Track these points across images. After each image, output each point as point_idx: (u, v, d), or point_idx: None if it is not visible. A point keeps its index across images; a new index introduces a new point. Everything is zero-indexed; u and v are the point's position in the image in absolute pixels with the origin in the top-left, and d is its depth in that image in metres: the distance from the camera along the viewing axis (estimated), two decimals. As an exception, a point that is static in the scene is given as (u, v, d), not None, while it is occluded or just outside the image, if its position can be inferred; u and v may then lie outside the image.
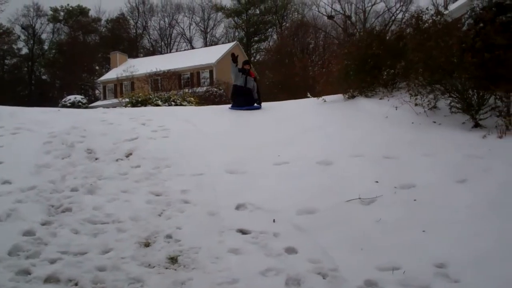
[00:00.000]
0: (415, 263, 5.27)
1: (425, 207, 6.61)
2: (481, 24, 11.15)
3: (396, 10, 64.29)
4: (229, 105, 15.09)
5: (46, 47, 76.10)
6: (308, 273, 5.21)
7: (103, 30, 77.74)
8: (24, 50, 74.02)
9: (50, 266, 5.35)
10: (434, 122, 10.39)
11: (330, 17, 56.56)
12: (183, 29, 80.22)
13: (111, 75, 54.47)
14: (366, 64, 13.51)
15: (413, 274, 5.07)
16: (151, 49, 77.40)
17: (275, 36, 70.71)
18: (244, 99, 14.52)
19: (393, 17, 60.11)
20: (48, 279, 5.12)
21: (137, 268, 5.37)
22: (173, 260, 5.58)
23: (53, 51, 73.78)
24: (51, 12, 74.00)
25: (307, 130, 10.66)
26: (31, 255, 5.59)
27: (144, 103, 21.26)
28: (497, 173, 7.42)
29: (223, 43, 68.41)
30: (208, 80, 50.98)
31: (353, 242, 5.86)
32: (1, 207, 6.70)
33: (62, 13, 74.69)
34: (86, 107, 34.27)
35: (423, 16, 13.43)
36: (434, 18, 12.79)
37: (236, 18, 74.85)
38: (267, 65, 53.75)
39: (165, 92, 26.77)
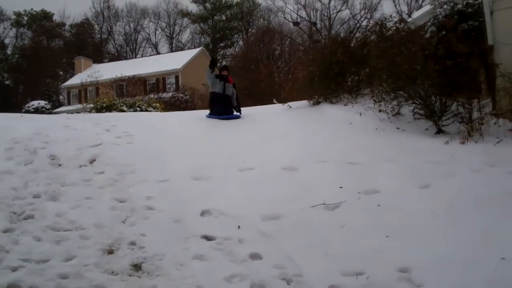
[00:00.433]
0: (379, 268, 5.31)
1: (389, 212, 6.67)
2: (444, 32, 11.35)
3: (361, 17, 64.80)
4: (207, 113, 14.03)
5: (9, 52, 75.02)
6: (273, 279, 5.22)
7: (68, 35, 76.78)
8: (-14, 55, 73.03)
9: (11, 274, 5.24)
10: (398, 128, 10.51)
11: (296, 23, 56.74)
12: (149, 35, 79.57)
13: (76, 80, 53.76)
14: (331, 71, 13.60)
15: (376, 279, 5.12)
16: (116, 54, 76.76)
17: (241, 42, 70.76)
18: (223, 107, 13.54)
19: (358, 24, 60.49)
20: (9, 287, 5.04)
21: (100, 276, 5.31)
22: (137, 267, 5.53)
23: (17, 56, 72.61)
24: (14, 17, 72.88)
25: (272, 136, 10.68)
26: (-8, 263, 5.50)
27: (109, 108, 21.08)
28: (459, 178, 7.54)
29: (189, 48, 68.17)
30: (174, 85, 50.69)
31: (317, 248, 5.88)
32: (-39, 214, 6.59)
33: (25, 18, 73.64)
34: (50, 113, 33.90)
35: (387, 24, 13.59)
36: (397, 25, 12.96)
37: (202, 24, 74.64)
38: (233, 71, 53.77)
39: (131, 98, 26.55)
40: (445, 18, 11.93)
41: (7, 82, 71.96)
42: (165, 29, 78.99)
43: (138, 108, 21.59)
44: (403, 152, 8.93)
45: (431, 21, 12.59)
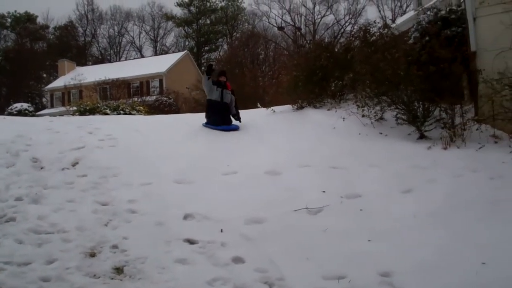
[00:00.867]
0: (361, 272, 5.32)
1: (371, 217, 6.71)
2: (427, 38, 11.44)
3: (345, 22, 64.98)
4: (204, 122, 12.62)
5: (-8, 54, 74.54)
6: (255, 283, 5.22)
7: (51, 37, 76.21)
8: (-31, 57, 72.42)
9: (-8, 277, 5.22)
10: (381, 133, 10.56)
11: (280, 28, 56.68)
12: (133, 38, 79.19)
13: (59, 83, 53.43)
14: (315, 76, 13.64)
15: (358, 282, 5.13)
16: (100, 57, 76.33)
17: (225, 46, 70.60)
18: (221, 116, 12.33)
19: (342, 30, 60.75)
20: (-10, 290, 5.00)
21: (82, 279, 5.28)
22: (119, 270, 5.50)
23: (0, 58, 72.27)
24: (-3, 19, 72.55)
25: (256, 140, 10.70)
26: (-27, 266, 5.46)
27: (92, 111, 20.98)
28: (441, 183, 7.60)
29: (173, 52, 68.02)
30: (158, 89, 50.55)
31: (300, 251, 5.89)
32: None
33: (9, 20, 73.14)
34: (33, 115, 33.64)
35: (371, 29, 13.66)
36: (381, 31, 13.03)
37: (186, 27, 74.41)
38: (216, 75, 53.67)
39: (114, 101, 26.50)
40: (428, 24, 12.02)
41: (-11, 85, 71.43)
42: (150, 33, 78.75)
43: (121, 111, 21.52)
44: (385, 157, 8.97)
45: (414, 27, 12.68)
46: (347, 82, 13.32)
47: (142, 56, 73.19)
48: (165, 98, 39.82)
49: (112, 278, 5.34)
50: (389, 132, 10.57)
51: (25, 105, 37.47)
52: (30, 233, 6.31)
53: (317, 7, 65.84)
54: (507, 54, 9.78)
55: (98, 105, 22.43)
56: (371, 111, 11.21)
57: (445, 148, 9.21)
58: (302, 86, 13.68)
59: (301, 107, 13.75)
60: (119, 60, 72.22)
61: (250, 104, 20.12)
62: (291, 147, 9.97)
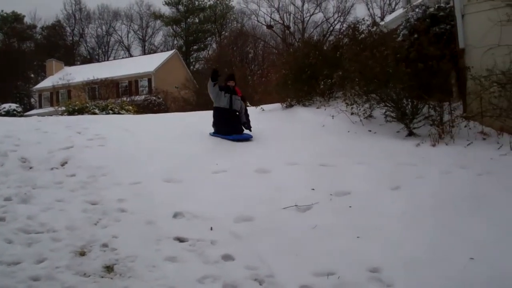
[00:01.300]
0: (350, 268, 5.34)
1: (360, 214, 6.73)
2: (416, 35, 11.51)
3: (334, 20, 64.92)
4: (211, 132, 11.50)
5: (-21, 54, 74.07)
6: (245, 280, 5.22)
7: (39, 37, 75.91)
8: (-44, 57, 71.91)
9: (-18, 277, 5.20)
10: (370, 130, 10.60)
11: (269, 26, 56.75)
12: (121, 37, 78.97)
13: (47, 83, 53.27)
14: (304, 74, 13.68)
15: (347, 279, 5.14)
16: (88, 57, 76.04)
17: (214, 45, 70.58)
18: (231, 125, 11.13)
19: (331, 28, 60.73)
20: (-21, 290, 4.98)
21: (72, 277, 5.26)
22: (109, 269, 5.49)
23: (-13, 58, 71.90)
24: (-16, 19, 72.15)
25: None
26: (-38, 266, 5.43)
27: (81, 111, 20.96)
28: (429, 180, 7.65)
29: (162, 51, 67.88)
30: (147, 88, 50.47)
31: (289, 249, 5.89)
32: None
33: (-4, 20, 72.91)
34: (21, 116, 33.50)
35: (360, 27, 13.71)
36: (370, 28, 13.07)
37: (175, 26, 74.19)
38: (207, 74, 53.66)
39: (103, 101, 26.48)
40: (417, 22, 12.08)
41: (-23, 85, 71.01)
42: (138, 32, 78.58)
43: (110, 111, 21.51)
44: (374, 154, 9.01)
45: (403, 24, 12.74)
46: (336, 80, 13.34)
47: (131, 56, 73.01)
48: (154, 98, 39.76)
49: (102, 277, 5.32)
50: (378, 130, 10.61)
51: (13, 106, 37.22)
52: (19, 232, 6.28)
53: (306, 5, 65.71)
54: (496, 51, 9.82)
55: (87, 105, 22.42)
56: (360, 109, 11.26)
57: (434, 145, 9.27)
58: (291, 84, 13.72)
59: (290, 105, 13.80)
60: (108, 60, 72.07)
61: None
62: (280, 146, 10.00)
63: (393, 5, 60.35)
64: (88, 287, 5.08)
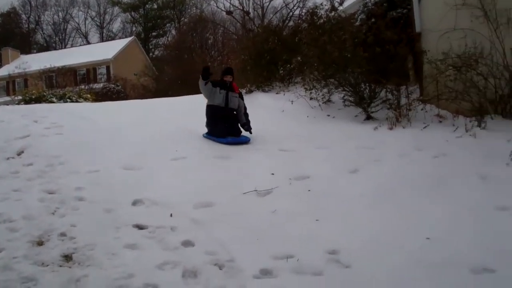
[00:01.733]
0: (309, 251, 5.37)
1: (319, 197, 6.79)
2: (373, 20, 11.59)
3: (294, 6, 64.89)
4: (204, 133, 10.09)
5: None
6: (205, 265, 5.21)
7: (-6, 25, 74.66)
8: None
9: None
10: (329, 115, 10.69)
11: (229, 12, 56.36)
12: (78, 24, 77.85)
13: (3, 72, 52.20)
14: (263, 59, 13.73)
15: (306, 261, 5.17)
16: (45, 44, 74.83)
17: (173, 32, 70.03)
18: (227, 126, 9.76)
19: (290, 13, 60.75)
20: None
21: (30, 267, 5.19)
22: (67, 257, 5.43)
23: None
24: None
25: (204, 124, 10.67)
26: None
27: (38, 100, 20.69)
28: (387, 163, 7.76)
29: (120, 38, 67.21)
30: (105, 76, 49.97)
31: (249, 233, 5.91)
32: None
33: None
34: (-23, 105, 32.95)
35: (318, 12, 13.73)
36: (328, 13, 13.10)
37: (133, 12, 73.43)
38: (166, 61, 53.28)
39: (60, 89, 26.14)
40: (374, 6, 12.19)
41: None
42: (95, 19, 77.52)
43: (68, 100, 21.26)
44: (333, 139, 9.09)
45: (361, 9, 12.82)
46: (295, 65, 13.39)
47: (89, 43, 72.00)
48: (113, 85, 39.39)
49: (60, 266, 5.27)
50: (337, 114, 10.70)
51: (-32, 95, 36.68)
52: (-25, 223, 6.19)
53: (265, -9, 65.63)
54: (451, 35, 9.93)
55: (44, 93, 22.15)
56: (319, 94, 11.34)
57: (391, 128, 9.38)
58: (250, 70, 13.75)
59: (250, 91, 13.80)
60: (65, 47, 70.91)
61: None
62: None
63: (351, -10, 60.38)
64: (46, 276, 5.02)
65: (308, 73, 11.87)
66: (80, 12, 77.44)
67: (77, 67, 47.76)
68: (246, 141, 9.54)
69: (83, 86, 34.47)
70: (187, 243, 5.73)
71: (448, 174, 7.14)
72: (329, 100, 11.43)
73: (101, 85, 41.67)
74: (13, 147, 9.23)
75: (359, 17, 12.65)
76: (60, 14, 76.39)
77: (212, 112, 9.91)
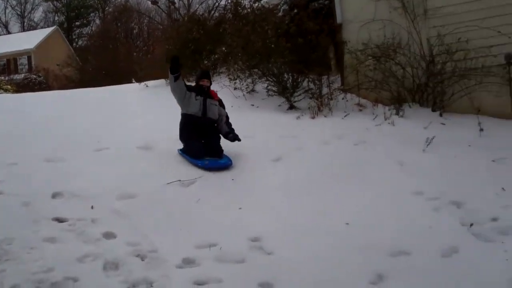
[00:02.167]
0: (232, 239, 5.44)
1: (242, 186, 6.88)
2: (296, 10, 11.72)
3: (220, -4, 64.94)
4: (179, 149, 8.32)
5: None
6: (127, 256, 5.19)
7: None
8: None
9: None
10: (252, 105, 10.77)
11: (154, 2, 55.65)
12: (-2, 13, 75.61)
13: None
14: (187, 49, 13.68)
15: (229, 249, 5.24)
16: (-38, 34, 72.44)
17: (98, 21, 68.83)
18: (205, 141, 8.12)
19: (216, 3, 60.63)
20: None
21: None
22: (-16, 253, 5.33)
23: None
24: None
25: (128, 115, 10.57)
26: None
27: (-46, 93, 20.05)
28: (309, 151, 7.93)
29: (42, 27, 65.50)
30: (27, 66, 48.71)
31: (172, 224, 5.92)
32: None
33: None
34: None
35: (242, 2, 13.80)
36: (252, 4, 13.18)
37: (55, 1, 71.71)
38: (90, 51, 52.38)
39: (-21, 81, 25.39)
40: (297, -3, 12.32)
41: None
42: (16, 8, 74.98)
43: (-13, 91, 20.68)
44: (257, 128, 9.16)
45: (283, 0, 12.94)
46: (220, 55, 13.43)
47: (9, 33, 69.80)
48: (35, 76, 38.44)
49: (-23, 261, 5.16)
50: (261, 104, 10.81)
51: None
52: None
53: (191, -19, 65.23)
54: (371, 25, 10.17)
55: (-40, 86, 21.45)
56: (243, 84, 11.41)
57: (313, 117, 9.55)
58: (174, 60, 13.65)
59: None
60: (-16, 37, 68.67)
61: (125, 80, 19.88)
62: (163, 122, 9.91)
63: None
64: (-37, 272, 4.91)
65: (233, 63, 11.91)
66: (0, 1, 75.05)
67: (-3, 58, 46.46)
68: (227, 165, 7.72)
69: (3, 77, 33.45)
70: (109, 235, 5.67)
71: (368, 161, 7.40)
72: (253, 90, 11.51)
73: (22, 75, 40.61)
74: None
75: (282, 8, 12.78)
76: (-22, 3, 73.84)
77: (186, 123, 8.29)
